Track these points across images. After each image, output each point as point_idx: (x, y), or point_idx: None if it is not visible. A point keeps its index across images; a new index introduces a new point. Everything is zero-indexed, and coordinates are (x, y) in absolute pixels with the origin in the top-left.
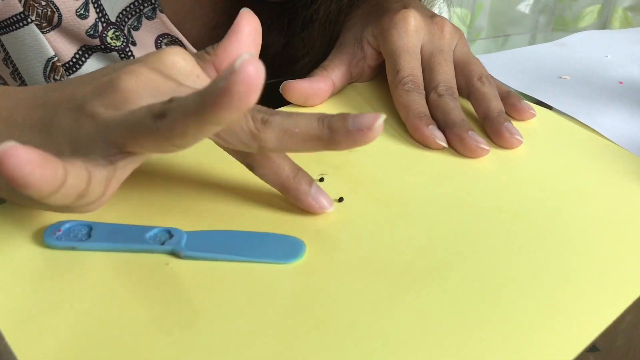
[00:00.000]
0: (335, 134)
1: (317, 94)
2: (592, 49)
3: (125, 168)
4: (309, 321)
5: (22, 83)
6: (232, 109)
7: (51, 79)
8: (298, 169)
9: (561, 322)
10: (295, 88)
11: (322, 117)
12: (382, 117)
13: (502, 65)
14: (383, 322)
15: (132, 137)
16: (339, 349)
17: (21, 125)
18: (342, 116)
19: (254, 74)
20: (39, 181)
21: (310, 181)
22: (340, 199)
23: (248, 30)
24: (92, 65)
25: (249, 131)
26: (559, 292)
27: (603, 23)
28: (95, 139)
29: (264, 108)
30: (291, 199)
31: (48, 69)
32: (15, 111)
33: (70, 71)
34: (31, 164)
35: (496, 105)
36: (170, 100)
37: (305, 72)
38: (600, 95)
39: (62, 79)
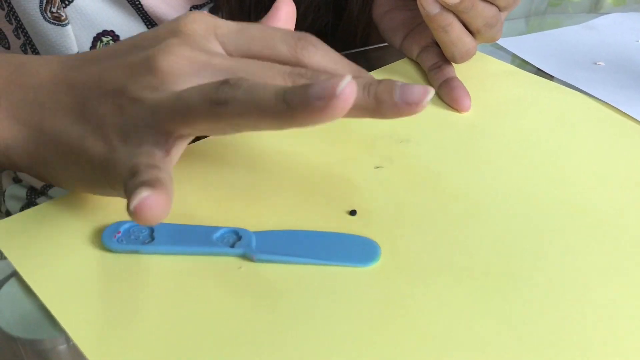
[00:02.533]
0: (381, 105)
1: None
2: (622, 33)
3: (178, 153)
4: (396, 327)
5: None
6: (317, 121)
7: (47, 12)
8: None
9: None
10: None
11: (368, 85)
12: (431, 93)
13: (533, 48)
14: (472, 327)
15: (186, 121)
16: (431, 357)
17: (51, 110)
18: (389, 86)
19: (351, 98)
20: (164, 217)
21: None
22: (353, 212)
23: (285, 14)
24: None
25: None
26: None
27: None
28: (144, 127)
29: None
30: None
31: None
32: (41, 93)
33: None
34: (160, 209)
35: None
36: (225, 82)
37: None
38: (636, 83)
39: (58, 11)
